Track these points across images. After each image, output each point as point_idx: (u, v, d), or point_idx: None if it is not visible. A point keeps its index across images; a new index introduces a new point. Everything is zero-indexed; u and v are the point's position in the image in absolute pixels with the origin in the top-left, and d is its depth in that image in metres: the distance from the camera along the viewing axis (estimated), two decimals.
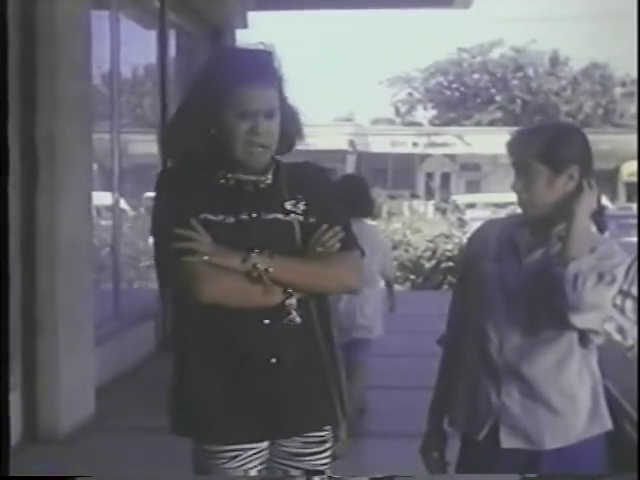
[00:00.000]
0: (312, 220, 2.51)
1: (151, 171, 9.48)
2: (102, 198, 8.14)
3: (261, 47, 2.51)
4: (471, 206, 27.51)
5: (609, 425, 2.75)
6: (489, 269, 2.74)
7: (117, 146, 8.36)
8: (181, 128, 2.52)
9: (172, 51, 10.15)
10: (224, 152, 2.50)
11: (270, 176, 2.55)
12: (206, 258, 2.37)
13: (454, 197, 31.43)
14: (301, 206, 2.53)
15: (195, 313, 2.46)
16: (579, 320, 2.55)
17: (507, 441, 2.69)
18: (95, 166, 7.37)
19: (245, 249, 2.41)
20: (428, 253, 16.44)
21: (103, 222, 8.42)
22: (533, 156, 2.63)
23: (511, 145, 2.72)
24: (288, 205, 2.52)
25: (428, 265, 16.28)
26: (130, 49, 8.78)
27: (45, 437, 5.96)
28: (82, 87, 6.42)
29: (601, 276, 2.53)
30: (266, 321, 2.45)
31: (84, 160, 6.50)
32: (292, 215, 2.51)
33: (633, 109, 45.19)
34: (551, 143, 2.63)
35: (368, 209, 6.22)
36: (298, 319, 2.48)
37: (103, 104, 8.17)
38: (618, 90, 47.50)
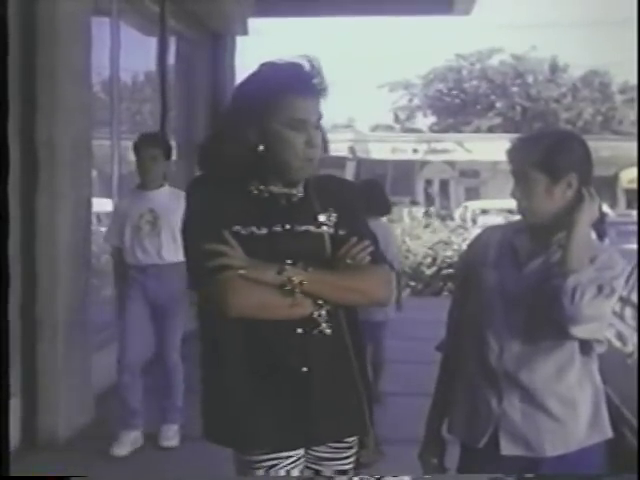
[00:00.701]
0: (342, 232, 2.54)
1: None
2: (102, 204, 8.13)
3: (305, 59, 2.50)
4: (484, 212, 27.30)
5: (610, 433, 2.75)
6: (489, 275, 2.74)
7: (117, 152, 8.36)
8: (225, 139, 2.51)
9: (172, 57, 10.16)
10: (274, 164, 2.50)
11: (302, 189, 2.57)
12: (242, 272, 2.38)
13: (466, 203, 31.29)
14: (333, 218, 2.55)
15: (229, 322, 2.46)
16: (578, 331, 2.55)
17: (507, 448, 2.69)
18: (95, 172, 7.36)
19: (278, 261, 2.43)
20: (428, 260, 16.44)
21: (103, 228, 8.41)
22: (531, 164, 2.63)
23: (510, 153, 2.72)
24: (321, 217, 2.54)
25: (428, 272, 16.27)
26: (130, 55, 8.78)
27: (44, 442, 5.95)
28: (82, 93, 6.42)
29: (600, 288, 2.53)
30: (299, 330, 2.48)
31: (84, 166, 6.50)
32: (324, 227, 2.53)
33: (633, 116, 45.19)
34: (549, 151, 2.63)
35: (385, 208, 7.14)
36: (328, 330, 2.51)
37: (103, 110, 8.18)
38: (618, 97, 47.53)
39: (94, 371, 6.56)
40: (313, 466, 2.63)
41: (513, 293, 2.69)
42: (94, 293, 6.87)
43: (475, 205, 29.78)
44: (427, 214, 26.88)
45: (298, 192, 2.56)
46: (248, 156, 2.48)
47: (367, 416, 2.62)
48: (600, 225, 2.73)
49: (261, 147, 2.47)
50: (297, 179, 2.53)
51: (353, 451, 2.64)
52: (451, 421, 2.89)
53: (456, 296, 2.95)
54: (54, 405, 6.03)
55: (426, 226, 19.45)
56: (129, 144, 9.38)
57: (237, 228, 2.44)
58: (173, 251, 5.65)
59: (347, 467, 2.65)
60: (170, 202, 5.66)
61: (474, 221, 25.32)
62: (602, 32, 74.80)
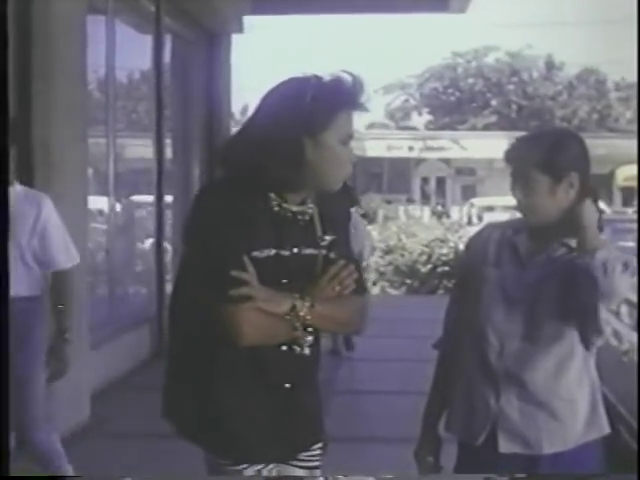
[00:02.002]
0: (332, 256, 2.55)
1: (146, 175, 9.52)
2: (97, 202, 8.13)
3: (349, 74, 2.48)
4: (490, 209, 27.13)
5: (607, 429, 2.75)
6: (489, 273, 2.73)
7: (112, 151, 8.35)
8: (265, 148, 2.40)
9: (167, 56, 10.15)
10: (316, 179, 2.46)
11: (311, 206, 2.54)
12: (261, 304, 2.38)
13: (472, 200, 31.25)
14: (328, 239, 2.55)
15: (214, 340, 2.45)
16: (614, 303, 2.52)
17: (505, 446, 2.69)
18: (90, 170, 7.36)
19: (276, 279, 2.44)
20: (424, 257, 16.46)
21: (98, 226, 8.41)
22: (533, 165, 2.62)
23: (509, 154, 2.71)
24: (321, 240, 2.54)
25: (424, 270, 16.29)
26: (125, 54, 8.77)
27: None
28: (77, 91, 6.41)
29: (626, 265, 2.51)
30: (284, 348, 2.50)
31: (79, 164, 6.49)
32: (322, 250, 2.54)
33: (628, 114, 45.29)
34: (550, 151, 2.62)
35: (354, 200, 7.37)
36: (307, 351, 2.54)
37: (98, 109, 8.17)
38: (613, 95, 47.59)
39: (88, 371, 6.55)
40: (282, 465, 2.66)
41: (514, 291, 2.68)
42: (89, 292, 6.86)
43: (481, 202, 29.73)
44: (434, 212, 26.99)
45: (310, 210, 2.53)
46: (292, 167, 2.42)
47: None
48: (598, 221, 2.72)
49: (309, 162, 2.42)
50: (331, 190, 2.51)
51: (320, 450, 2.71)
52: (449, 419, 2.88)
53: (455, 294, 2.95)
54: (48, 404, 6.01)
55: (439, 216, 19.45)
56: (125, 142, 9.43)
57: (255, 254, 2.40)
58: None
59: (315, 464, 2.71)
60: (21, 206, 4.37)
61: (480, 218, 25.30)
62: (598, 30, 74.97)
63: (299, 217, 2.50)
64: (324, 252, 2.54)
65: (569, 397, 2.67)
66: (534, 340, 2.65)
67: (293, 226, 2.49)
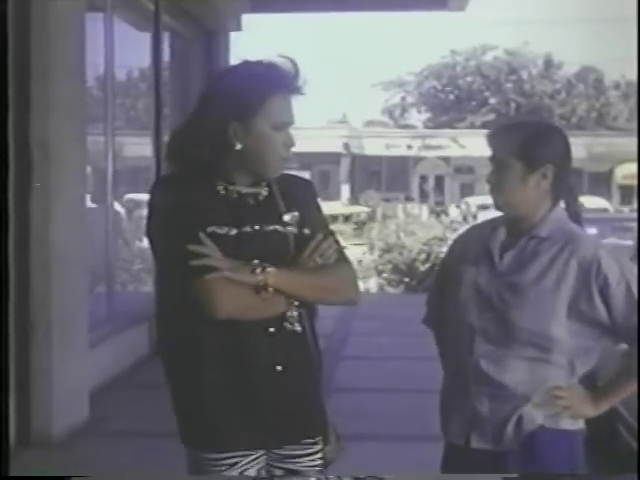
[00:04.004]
0: (306, 231, 2.55)
1: (145, 173, 9.51)
2: (96, 200, 8.12)
3: (287, 59, 2.49)
4: (484, 208, 27.13)
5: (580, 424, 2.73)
6: (466, 271, 2.74)
7: (111, 148, 8.34)
8: (201, 135, 2.47)
9: (166, 54, 10.14)
10: (250, 163, 2.49)
11: (267, 188, 2.56)
12: (227, 273, 2.38)
13: (467, 199, 31.31)
14: (296, 217, 2.56)
15: (201, 322, 2.45)
16: None
17: (477, 442, 2.70)
18: (89, 168, 7.35)
19: (248, 261, 2.43)
20: (423, 256, 16.46)
21: (97, 224, 8.39)
22: (509, 151, 2.65)
23: (490, 138, 2.73)
24: (286, 217, 2.54)
25: (423, 268, 16.29)
26: (124, 51, 8.76)
27: (38, 442, 5.93)
28: (76, 89, 6.40)
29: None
30: (271, 329, 2.48)
31: (78, 162, 6.48)
32: (288, 227, 2.54)
33: (627, 112, 45.30)
34: (528, 140, 2.64)
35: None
36: (299, 328, 2.52)
37: (97, 106, 8.16)
38: (612, 93, 47.60)
39: (87, 370, 6.54)
40: (279, 464, 2.61)
41: (487, 288, 2.68)
42: (88, 291, 6.85)
43: (475, 201, 29.78)
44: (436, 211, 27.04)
45: (263, 191, 2.56)
46: (222, 154, 2.47)
47: (326, 413, 2.64)
48: (577, 216, 2.74)
49: (239, 146, 2.46)
50: (270, 177, 2.54)
51: (319, 447, 2.64)
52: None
53: (434, 291, 2.97)
54: (47, 404, 6.01)
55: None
56: (124, 140, 9.41)
57: (212, 229, 2.43)
58: None
59: (316, 463, 2.63)
60: None
61: (475, 217, 25.33)
62: (597, 28, 74.95)
63: (249, 198, 2.53)
64: (294, 230, 2.54)
65: (541, 401, 2.65)
66: (505, 340, 2.64)
67: (245, 206, 2.52)
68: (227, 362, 2.47)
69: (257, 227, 2.50)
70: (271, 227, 2.51)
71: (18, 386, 5.88)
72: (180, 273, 2.41)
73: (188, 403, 2.53)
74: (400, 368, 8.41)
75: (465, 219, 24.83)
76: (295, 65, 2.48)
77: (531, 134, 2.66)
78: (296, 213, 2.56)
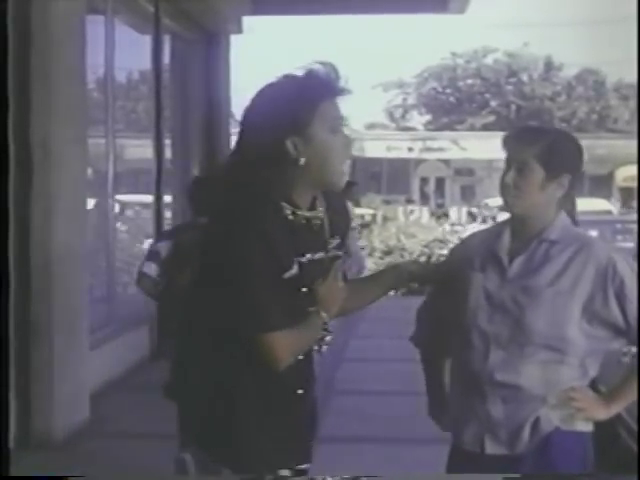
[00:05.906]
0: (339, 254, 2.57)
1: (145, 176, 9.52)
2: (96, 202, 8.12)
3: (321, 64, 2.46)
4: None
5: (589, 427, 2.74)
6: (474, 278, 2.74)
7: (112, 151, 8.35)
8: (255, 161, 2.38)
9: (167, 56, 10.15)
10: (315, 176, 2.43)
11: (321, 208, 2.51)
12: (298, 334, 2.42)
13: (486, 201, 31.22)
14: (334, 243, 2.56)
15: (230, 345, 2.43)
16: None
17: (492, 447, 2.69)
18: (89, 170, 7.35)
19: (307, 303, 2.45)
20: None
21: (97, 226, 8.40)
22: (532, 154, 2.65)
23: (510, 140, 2.73)
24: (329, 243, 2.54)
25: None
26: (125, 54, 8.78)
27: (39, 443, 5.93)
28: (77, 92, 6.41)
29: None
30: (300, 356, 2.50)
31: (78, 164, 6.48)
32: (329, 253, 2.53)
33: (627, 114, 45.28)
34: (552, 147, 2.65)
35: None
36: (325, 349, 2.56)
37: (98, 109, 8.17)
38: (612, 95, 47.59)
39: (88, 371, 6.54)
40: None
41: (498, 294, 2.68)
42: (89, 292, 6.85)
43: (495, 202, 29.68)
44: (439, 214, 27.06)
45: (320, 213, 2.50)
46: (285, 172, 2.40)
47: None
48: (574, 219, 2.77)
49: (302, 160, 2.39)
50: (337, 186, 2.47)
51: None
52: (447, 420, 2.89)
53: (434, 295, 2.96)
54: (48, 405, 6.02)
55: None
56: (124, 142, 9.42)
57: (289, 274, 2.39)
58: None
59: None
60: None
61: (494, 219, 25.29)
62: (597, 31, 74.97)
63: (313, 222, 2.48)
64: (330, 255, 2.53)
65: (556, 403, 2.66)
66: (518, 345, 2.65)
67: (308, 232, 2.47)
68: (254, 384, 2.44)
69: (309, 256, 2.45)
70: (319, 255, 2.49)
71: (19, 387, 5.89)
72: (245, 321, 2.37)
73: (217, 423, 2.47)
74: (401, 370, 8.40)
75: (484, 221, 24.73)
76: (334, 68, 2.46)
77: (555, 142, 2.67)
78: (338, 240, 2.56)
